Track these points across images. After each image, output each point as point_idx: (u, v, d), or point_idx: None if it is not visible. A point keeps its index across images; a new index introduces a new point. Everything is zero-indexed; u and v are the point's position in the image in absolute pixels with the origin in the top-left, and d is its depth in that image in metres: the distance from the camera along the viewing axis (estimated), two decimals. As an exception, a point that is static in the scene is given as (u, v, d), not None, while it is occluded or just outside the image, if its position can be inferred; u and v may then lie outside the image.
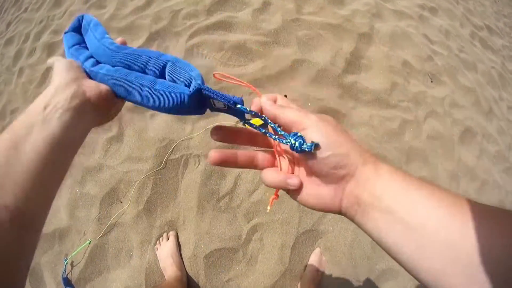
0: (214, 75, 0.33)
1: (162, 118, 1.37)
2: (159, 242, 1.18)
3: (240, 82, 0.34)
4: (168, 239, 1.18)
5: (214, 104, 0.32)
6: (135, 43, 1.57)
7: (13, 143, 0.29)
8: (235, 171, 1.27)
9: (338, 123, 0.31)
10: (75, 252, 1.18)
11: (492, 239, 0.22)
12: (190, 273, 1.14)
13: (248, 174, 1.26)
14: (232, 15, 1.59)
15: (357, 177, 0.28)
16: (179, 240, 1.19)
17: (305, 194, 0.31)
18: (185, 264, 1.15)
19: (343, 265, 1.20)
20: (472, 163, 1.59)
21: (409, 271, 0.26)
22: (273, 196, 0.33)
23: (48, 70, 1.65)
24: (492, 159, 1.69)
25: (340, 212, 0.30)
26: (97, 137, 1.37)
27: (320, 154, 0.28)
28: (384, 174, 0.28)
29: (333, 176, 0.29)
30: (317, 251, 1.20)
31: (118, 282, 1.15)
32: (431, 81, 1.74)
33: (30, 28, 1.97)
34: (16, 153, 0.28)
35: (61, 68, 0.37)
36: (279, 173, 0.32)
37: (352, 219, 0.30)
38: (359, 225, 0.29)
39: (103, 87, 0.37)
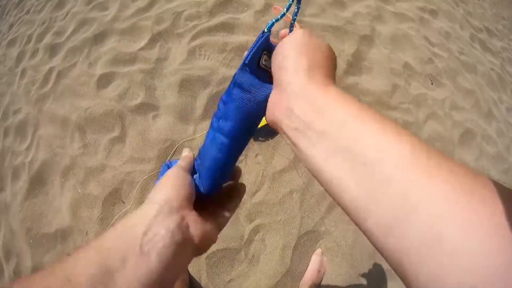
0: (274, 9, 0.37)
1: (165, 119, 1.37)
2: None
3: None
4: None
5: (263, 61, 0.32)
6: (137, 45, 1.57)
7: (104, 273, 0.22)
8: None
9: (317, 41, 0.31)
10: (78, 252, 1.18)
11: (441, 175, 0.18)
12: (192, 273, 1.14)
13: (250, 175, 1.27)
14: (234, 17, 1.59)
15: (292, 85, 0.27)
16: (181, 240, 1.19)
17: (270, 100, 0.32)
18: (187, 265, 1.15)
19: (344, 265, 1.20)
20: (471, 164, 1.60)
21: (353, 215, 0.21)
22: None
23: (51, 70, 1.65)
24: (492, 160, 1.69)
25: (274, 125, 0.29)
26: (100, 138, 1.37)
27: (276, 51, 0.31)
28: (333, 94, 0.25)
29: (275, 77, 0.30)
30: (318, 251, 1.20)
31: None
32: (432, 83, 1.74)
33: (32, 30, 1.97)
34: (106, 282, 0.22)
35: (171, 182, 0.32)
36: None
37: (284, 138, 0.28)
38: (292, 148, 0.27)
39: (209, 226, 0.33)
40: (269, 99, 0.30)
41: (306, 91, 0.25)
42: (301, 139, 0.25)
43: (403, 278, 0.19)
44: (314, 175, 0.25)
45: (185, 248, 0.29)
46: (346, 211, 0.22)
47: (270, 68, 0.31)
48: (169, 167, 0.37)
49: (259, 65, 0.31)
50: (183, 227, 0.29)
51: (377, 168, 0.19)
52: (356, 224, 0.21)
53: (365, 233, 0.21)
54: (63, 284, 0.20)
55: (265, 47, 0.32)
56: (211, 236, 0.33)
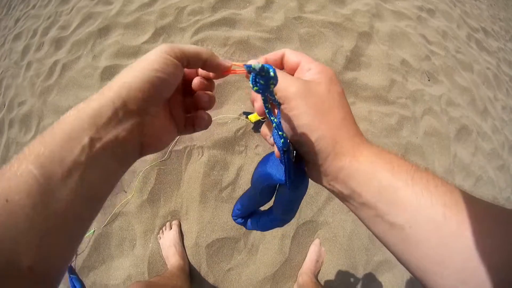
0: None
1: (167, 111, 1.36)
2: (162, 232, 1.17)
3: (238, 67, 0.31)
4: (171, 228, 1.17)
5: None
6: (141, 39, 1.56)
7: (45, 189, 0.19)
8: (238, 162, 1.26)
9: (335, 87, 0.28)
10: (80, 240, 1.17)
11: (492, 242, 0.19)
12: (192, 262, 1.13)
13: (250, 165, 1.26)
14: (236, 12, 1.58)
15: (324, 168, 0.26)
16: (182, 229, 1.19)
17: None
18: (187, 253, 1.15)
19: (341, 256, 1.19)
20: (467, 160, 1.59)
21: (399, 261, 0.24)
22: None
23: (56, 63, 1.64)
24: (487, 157, 1.69)
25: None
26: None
27: (290, 130, 0.27)
28: (364, 167, 0.25)
29: (304, 156, 0.28)
30: (316, 241, 1.20)
31: (121, 270, 1.14)
32: (429, 80, 1.73)
33: (38, 24, 1.96)
34: (47, 201, 0.19)
35: (145, 71, 0.25)
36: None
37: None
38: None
39: (168, 129, 0.30)
40: (307, 168, 0.29)
41: (341, 171, 0.25)
42: (347, 204, 0.27)
43: None
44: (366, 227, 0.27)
45: (133, 153, 0.26)
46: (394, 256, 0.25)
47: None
48: None
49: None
50: (132, 134, 0.25)
51: (406, 233, 0.22)
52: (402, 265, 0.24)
53: (411, 273, 0.23)
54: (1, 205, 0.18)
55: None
56: (166, 141, 0.29)
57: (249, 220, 0.40)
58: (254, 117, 1.28)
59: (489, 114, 1.89)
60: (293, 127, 0.27)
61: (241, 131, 1.30)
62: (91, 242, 1.17)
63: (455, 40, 2.09)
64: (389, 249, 0.24)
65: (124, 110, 0.24)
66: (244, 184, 1.23)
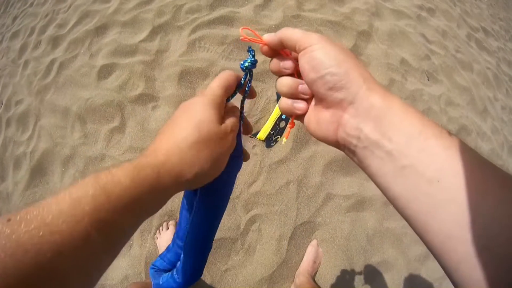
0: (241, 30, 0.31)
1: (164, 110, 1.35)
2: (159, 232, 1.16)
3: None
4: (168, 228, 1.16)
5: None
6: (138, 37, 1.54)
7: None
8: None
9: (342, 44, 0.29)
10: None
11: None
12: (189, 262, 1.12)
13: (247, 166, 1.25)
14: (234, 10, 1.57)
15: (357, 105, 0.24)
16: (179, 229, 1.17)
17: (308, 118, 0.30)
18: (184, 253, 1.13)
19: (339, 257, 1.18)
20: (466, 160, 1.58)
21: (414, 228, 0.22)
22: (290, 125, 0.33)
23: (53, 62, 1.62)
24: (486, 157, 1.67)
25: (337, 145, 0.27)
26: (100, 128, 1.35)
27: (316, 72, 0.26)
28: (397, 108, 0.23)
29: (330, 99, 0.26)
30: (314, 242, 1.19)
31: (118, 270, 1.14)
32: (428, 79, 1.72)
33: (35, 22, 1.94)
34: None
35: (192, 137, 0.28)
36: (287, 100, 0.30)
37: (350, 156, 0.26)
38: (358, 164, 0.26)
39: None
40: (323, 120, 0.28)
41: (373, 108, 0.24)
42: (372, 159, 0.24)
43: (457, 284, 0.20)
44: (382, 191, 0.24)
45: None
46: (408, 223, 0.23)
47: None
48: None
49: None
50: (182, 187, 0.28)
51: (435, 188, 0.20)
52: (417, 234, 0.22)
53: (425, 243, 0.22)
54: (52, 257, 0.18)
55: None
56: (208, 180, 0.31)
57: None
58: (263, 134, 1.27)
59: (488, 114, 1.87)
60: (319, 67, 0.25)
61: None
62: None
63: (455, 40, 2.07)
64: (408, 214, 0.22)
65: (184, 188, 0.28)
66: (242, 184, 1.22)
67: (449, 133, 0.22)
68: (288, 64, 0.29)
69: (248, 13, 1.56)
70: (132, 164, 0.24)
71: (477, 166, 0.20)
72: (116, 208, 0.21)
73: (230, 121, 0.31)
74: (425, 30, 1.93)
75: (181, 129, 0.28)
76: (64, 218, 0.19)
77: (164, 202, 0.26)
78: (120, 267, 1.14)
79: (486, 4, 2.93)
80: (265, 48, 0.30)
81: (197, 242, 0.32)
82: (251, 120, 1.32)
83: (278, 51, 0.30)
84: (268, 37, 0.29)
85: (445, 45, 1.96)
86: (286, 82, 0.30)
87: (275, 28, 1.53)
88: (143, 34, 1.55)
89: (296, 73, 0.30)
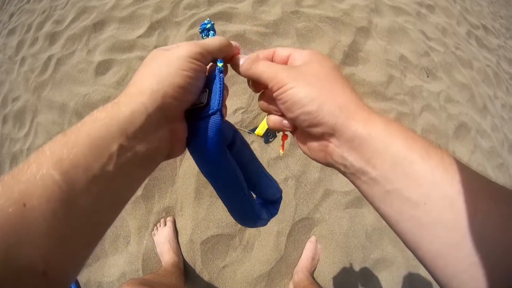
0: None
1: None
2: (157, 228, 1.16)
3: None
4: (166, 225, 1.16)
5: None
6: (136, 33, 1.54)
7: (67, 197, 0.19)
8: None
9: (330, 66, 0.28)
10: (73, 237, 1.16)
11: (508, 226, 0.18)
12: (187, 259, 1.12)
13: (245, 161, 1.24)
14: (233, 6, 1.57)
15: (338, 135, 0.25)
16: (176, 226, 1.18)
17: (298, 140, 0.31)
18: (182, 250, 1.14)
19: (337, 253, 1.18)
20: (466, 158, 1.58)
21: (406, 244, 0.23)
22: (283, 138, 0.34)
23: (50, 58, 1.62)
24: (486, 155, 1.67)
25: (329, 166, 0.28)
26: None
27: (291, 113, 0.26)
28: (379, 134, 0.23)
29: (312, 133, 0.27)
30: (312, 239, 1.19)
31: (116, 267, 1.13)
32: (427, 76, 1.72)
33: (32, 19, 1.94)
34: (68, 208, 0.19)
35: (176, 74, 0.25)
36: (278, 118, 0.30)
37: (345, 175, 0.27)
38: (352, 183, 0.27)
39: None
40: (311, 147, 0.28)
41: (355, 137, 0.24)
42: (359, 183, 0.25)
43: None
44: (375, 209, 0.25)
45: (159, 161, 0.26)
46: (400, 239, 0.23)
47: (200, 103, 0.28)
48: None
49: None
50: (164, 142, 0.25)
51: (422, 211, 0.21)
52: (409, 250, 0.23)
53: (417, 258, 0.22)
54: (16, 209, 0.17)
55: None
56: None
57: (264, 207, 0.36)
58: (261, 130, 1.27)
59: (488, 111, 1.87)
60: (292, 108, 0.26)
61: (236, 126, 1.29)
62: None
63: (454, 37, 2.07)
64: (398, 232, 0.23)
65: (158, 118, 0.23)
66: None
67: (438, 149, 0.22)
68: (287, 123, 0.30)
69: (247, 9, 1.56)
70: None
71: (466, 183, 0.20)
72: (74, 143, 0.20)
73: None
74: (424, 26, 1.94)
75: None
76: (28, 164, 0.18)
77: (140, 140, 0.22)
78: (117, 264, 1.14)
79: (486, 2, 2.93)
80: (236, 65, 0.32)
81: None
82: (249, 116, 1.32)
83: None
84: (242, 67, 0.30)
85: (445, 42, 1.97)
86: (272, 119, 0.30)
87: (274, 24, 1.53)
88: (141, 30, 1.55)
89: None
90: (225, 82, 0.30)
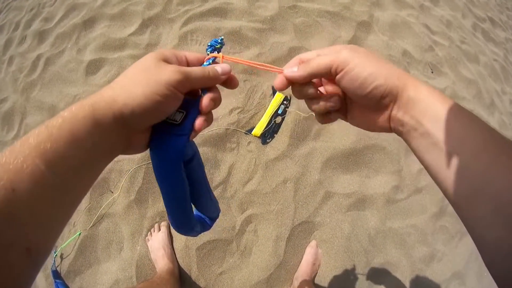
0: (222, 58, 0.35)
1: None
2: (151, 233, 1.16)
3: (248, 62, 0.36)
4: (160, 230, 1.15)
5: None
6: (127, 30, 1.54)
7: (49, 180, 0.23)
8: (229, 160, 1.24)
9: (366, 50, 0.33)
10: (65, 244, 1.16)
11: None
12: (182, 265, 1.12)
13: (242, 163, 1.24)
14: (227, 1, 1.56)
15: (398, 102, 0.31)
16: (171, 231, 1.17)
17: (355, 120, 0.36)
18: (177, 256, 1.13)
19: (339, 258, 1.18)
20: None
21: (442, 190, 0.29)
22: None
23: (39, 57, 1.62)
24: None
25: (390, 131, 0.35)
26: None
27: (363, 90, 0.31)
28: (424, 98, 0.29)
29: (380, 105, 0.32)
30: (313, 243, 1.18)
31: (109, 274, 1.13)
32: (432, 72, 1.71)
33: (20, 16, 1.93)
34: (51, 192, 0.24)
35: (150, 90, 0.29)
36: (319, 104, 0.36)
37: (400, 137, 0.33)
38: (406, 142, 0.33)
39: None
40: (370, 119, 0.34)
41: (408, 101, 0.30)
42: (411, 138, 0.31)
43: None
44: (420, 161, 0.31)
45: (116, 155, 0.30)
46: (439, 187, 0.29)
47: (173, 120, 0.32)
48: None
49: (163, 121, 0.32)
50: (126, 143, 0.30)
51: (453, 160, 0.26)
52: (445, 196, 0.29)
53: (451, 203, 0.28)
54: (5, 194, 0.20)
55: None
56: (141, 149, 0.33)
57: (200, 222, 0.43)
58: (258, 130, 1.27)
59: (496, 108, 1.86)
60: (364, 84, 0.31)
61: (232, 127, 1.28)
62: (76, 245, 1.16)
63: (460, 30, 2.06)
64: (437, 177, 0.29)
65: (122, 125, 0.28)
66: (236, 182, 1.21)
67: (469, 112, 0.28)
68: (334, 101, 0.35)
69: (242, 4, 1.55)
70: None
71: (490, 138, 0.26)
72: (58, 138, 0.23)
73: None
74: (428, 20, 1.93)
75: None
76: (15, 155, 0.22)
77: (107, 139, 0.28)
78: (110, 271, 1.13)
79: (493, -7, 2.92)
80: (284, 83, 0.35)
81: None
82: (246, 116, 1.31)
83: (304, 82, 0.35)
84: (296, 75, 0.33)
85: (450, 36, 1.95)
86: (319, 108, 0.35)
87: (271, 20, 1.52)
88: (133, 27, 1.54)
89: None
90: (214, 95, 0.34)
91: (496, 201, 0.22)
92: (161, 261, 1.08)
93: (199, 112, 0.33)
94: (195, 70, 0.32)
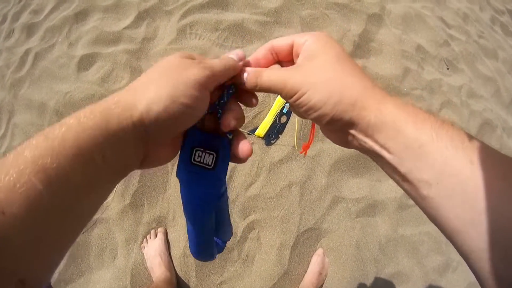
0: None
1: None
2: (146, 240, 1.17)
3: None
4: (156, 236, 1.16)
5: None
6: (122, 23, 1.54)
7: (47, 203, 0.20)
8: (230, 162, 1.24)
9: (332, 50, 0.30)
10: (54, 250, 1.16)
11: None
12: (180, 274, 1.12)
13: (244, 166, 1.24)
14: (229, -7, 1.57)
15: (355, 126, 0.29)
16: (168, 237, 1.18)
17: (326, 134, 0.35)
18: (174, 264, 1.14)
19: (348, 267, 1.18)
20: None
21: (430, 219, 0.26)
22: (312, 131, 0.40)
23: (27, 52, 1.62)
24: (513, 155, 1.66)
25: (359, 151, 0.33)
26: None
27: (310, 115, 0.30)
28: (390, 120, 0.27)
29: (332, 128, 0.31)
30: (319, 251, 1.19)
31: (102, 284, 1.14)
32: (447, 68, 1.71)
33: (8, 9, 1.94)
34: (48, 217, 0.21)
35: (176, 91, 0.26)
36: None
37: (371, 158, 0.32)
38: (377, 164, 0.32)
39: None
40: (333, 137, 0.33)
41: (369, 125, 0.28)
42: (380, 165, 0.30)
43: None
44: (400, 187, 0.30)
45: (130, 172, 0.28)
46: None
47: (205, 164, 0.32)
48: None
49: (191, 162, 0.32)
50: (142, 158, 0.28)
51: (435, 190, 0.24)
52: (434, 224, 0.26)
53: (441, 231, 0.26)
54: None
55: (195, 144, 0.32)
56: (166, 160, 0.32)
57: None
58: (262, 130, 1.27)
59: (516, 107, 1.86)
60: (309, 111, 0.30)
61: (234, 127, 1.28)
62: (68, 252, 1.16)
63: (477, 24, 2.06)
64: (420, 207, 0.27)
65: (141, 136, 0.26)
66: (238, 186, 1.22)
67: (449, 128, 0.25)
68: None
69: (245, -5, 1.56)
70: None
71: (478, 161, 0.22)
72: (60, 152, 0.20)
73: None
74: (443, 13, 1.93)
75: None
76: (6, 170, 0.19)
77: (122, 153, 0.25)
78: (103, 280, 1.14)
79: (512, -16, 2.91)
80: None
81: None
82: (248, 115, 1.31)
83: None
84: (245, 85, 0.33)
85: (467, 30, 1.96)
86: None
87: (275, 12, 1.53)
88: (128, 20, 1.55)
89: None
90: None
91: (492, 233, 0.21)
92: (157, 270, 1.09)
93: (229, 150, 0.33)
94: (216, 62, 0.31)
